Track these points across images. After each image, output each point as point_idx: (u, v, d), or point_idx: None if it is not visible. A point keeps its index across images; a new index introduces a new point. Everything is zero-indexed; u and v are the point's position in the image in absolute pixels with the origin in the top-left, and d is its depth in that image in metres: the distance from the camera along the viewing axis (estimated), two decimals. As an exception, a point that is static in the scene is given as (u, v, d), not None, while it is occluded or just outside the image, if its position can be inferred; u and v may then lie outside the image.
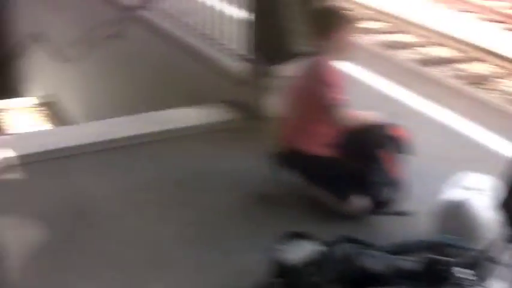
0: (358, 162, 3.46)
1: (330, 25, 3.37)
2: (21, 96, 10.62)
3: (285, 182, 3.52)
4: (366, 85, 5.56)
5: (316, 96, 3.36)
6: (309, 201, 3.49)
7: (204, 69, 5.07)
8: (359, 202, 3.42)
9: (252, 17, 4.19)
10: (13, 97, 10.56)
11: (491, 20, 11.35)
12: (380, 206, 3.50)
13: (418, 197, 3.66)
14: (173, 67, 5.54)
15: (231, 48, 4.88)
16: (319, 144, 3.43)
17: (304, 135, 3.44)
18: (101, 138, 4.22)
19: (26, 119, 9.81)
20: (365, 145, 3.45)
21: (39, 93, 10.22)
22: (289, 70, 3.59)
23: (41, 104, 10.04)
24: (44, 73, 10.10)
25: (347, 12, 3.51)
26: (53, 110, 9.67)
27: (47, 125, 9.39)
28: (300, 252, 2.80)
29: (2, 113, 9.99)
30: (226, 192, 3.67)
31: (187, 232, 3.33)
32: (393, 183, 3.50)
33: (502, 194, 2.87)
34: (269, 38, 4.00)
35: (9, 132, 9.18)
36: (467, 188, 3.22)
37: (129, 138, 4.24)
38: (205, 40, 5.19)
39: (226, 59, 4.92)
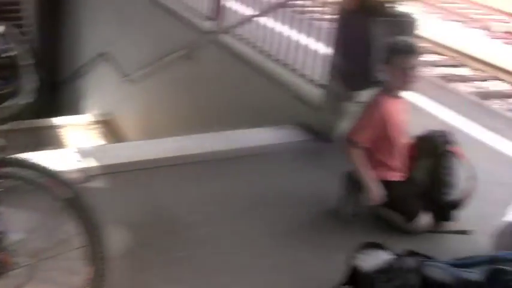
0: (424, 181, 3.73)
1: (395, 57, 3.57)
2: (87, 113, 10.93)
3: (357, 201, 3.76)
4: (430, 115, 5.79)
5: (381, 130, 3.62)
6: (378, 220, 3.76)
7: (280, 93, 5.39)
8: (424, 220, 3.68)
9: (332, 46, 4.47)
10: (79, 114, 10.97)
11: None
12: (443, 225, 3.76)
13: (478, 218, 3.88)
14: (248, 90, 5.87)
15: (307, 74, 5.21)
16: (388, 170, 3.72)
17: (374, 162, 3.68)
18: (179, 153, 4.45)
19: (83, 135, 10.01)
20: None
21: (99, 110, 10.50)
22: (365, 97, 3.88)
23: (99, 122, 10.28)
24: (104, 91, 10.44)
25: (416, 45, 3.69)
26: (110, 127, 9.92)
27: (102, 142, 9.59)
28: (373, 260, 3.06)
29: (61, 129, 10.16)
30: (300, 207, 3.91)
31: (262, 242, 3.58)
32: (457, 203, 3.74)
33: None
34: (347, 66, 4.29)
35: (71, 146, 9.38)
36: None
37: (206, 154, 4.50)
38: (282, 66, 5.54)
39: (303, 84, 5.24)
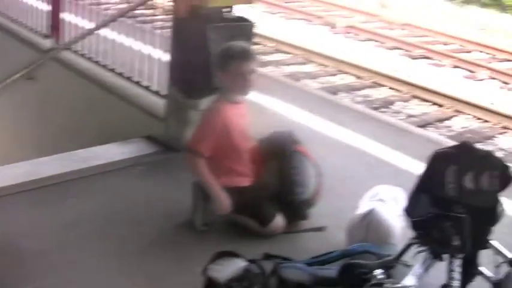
0: (274, 184, 3.72)
1: (230, 63, 3.53)
2: None
3: (208, 210, 3.68)
4: (278, 115, 5.85)
5: (223, 137, 3.56)
6: (233, 227, 3.70)
7: (127, 106, 5.26)
8: (279, 222, 3.65)
9: (169, 55, 4.38)
10: None
11: (391, 48, 12.03)
12: (298, 224, 3.77)
13: (332, 213, 3.95)
14: (95, 106, 5.68)
15: (149, 86, 5.12)
16: (236, 176, 3.68)
17: (220, 169, 3.62)
18: (27, 178, 4.25)
19: None
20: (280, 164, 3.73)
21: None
22: (207, 105, 3.81)
23: None
24: None
25: (251, 49, 3.69)
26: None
27: None
28: (228, 269, 3.02)
29: None
30: (153, 222, 3.78)
31: (118, 262, 3.42)
32: (309, 201, 3.76)
33: (405, 202, 3.16)
34: (186, 74, 4.21)
35: None
36: (381, 200, 3.54)
37: (54, 177, 4.28)
38: (126, 79, 5.42)
39: (147, 95, 5.16)
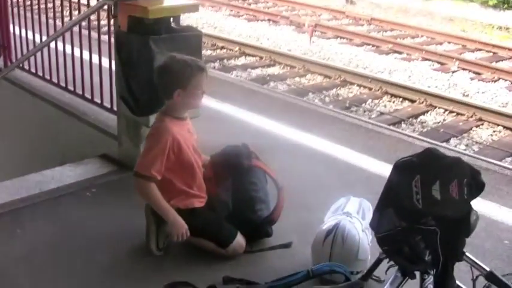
0: (234, 203, 3.48)
1: (191, 79, 3.23)
2: None
3: (164, 233, 3.41)
4: (241, 122, 5.62)
5: (173, 157, 3.28)
6: (190, 249, 3.43)
7: (80, 124, 5.00)
8: (239, 243, 3.41)
9: (119, 70, 4.11)
10: None
11: (359, 44, 11.87)
12: (262, 243, 3.53)
13: (298, 227, 3.73)
14: (48, 125, 5.41)
15: (101, 103, 4.85)
16: (191, 197, 3.40)
17: (173, 191, 3.35)
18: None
19: None
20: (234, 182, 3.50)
21: None
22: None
23: None
24: None
25: (202, 62, 3.39)
26: None
27: None
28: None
29: None
30: (108, 248, 3.52)
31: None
32: (271, 218, 3.53)
33: (372, 215, 2.94)
34: (132, 91, 3.95)
35: None
36: (346, 213, 3.31)
37: (4, 205, 3.97)
38: (78, 95, 5.15)
39: (99, 112, 4.89)
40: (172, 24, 3.92)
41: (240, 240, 3.40)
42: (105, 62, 4.74)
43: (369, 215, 3.34)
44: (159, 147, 3.19)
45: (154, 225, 3.34)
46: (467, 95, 9.06)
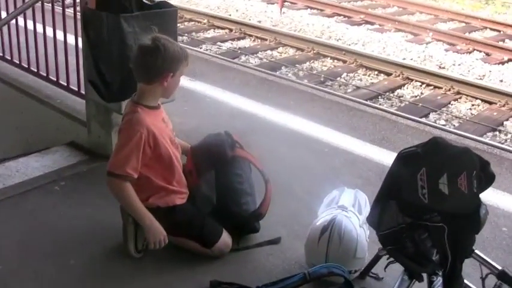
0: (218, 197, 3.21)
1: (179, 66, 2.92)
2: None
3: (142, 233, 3.07)
4: (214, 102, 5.34)
5: (149, 152, 2.94)
6: (174, 251, 3.11)
7: (43, 109, 4.64)
8: (225, 241, 3.15)
9: (87, 52, 3.76)
10: None
11: (330, 15, 11.60)
12: (249, 239, 3.28)
13: (286, 219, 3.50)
14: (11, 110, 5.02)
15: (67, 85, 4.51)
16: (170, 194, 3.08)
17: (150, 189, 3.04)
18: None
19: None
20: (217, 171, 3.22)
21: None
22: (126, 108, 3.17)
23: None
24: None
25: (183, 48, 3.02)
26: None
27: None
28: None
29: None
30: (81, 249, 3.20)
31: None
32: (258, 211, 3.27)
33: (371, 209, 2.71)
34: (101, 74, 3.60)
35: None
36: (342, 207, 3.06)
37: None
38: (43, 78, 4.80)
39: (67, 97, 4.56)
40: (145, 0, 3.56)
41: (225, 238, 3.13)
42: (71, 39, 4.39)
43: (366, 209, 3.11)
44: (133, 142, 2.84)
45: (132, 224, 3.03)
46: (444, 67, 8.85)
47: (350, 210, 3.02)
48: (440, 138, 2.63)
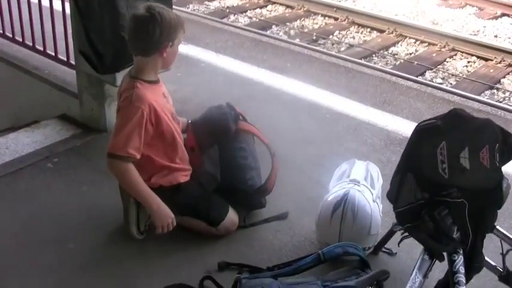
0: (222, 173, 3.07)
1: (178, 35, 2.74)
2: None
3: (145, 214, 2.94)
4: (208, 66, 5.16)
5: (151, 130, 2.77)
6: (178, 231, 2.92)
7: (31, 80, 4.45)
8: (231, 219, 3.01)
9: (77, 21, 3.55)
10: None
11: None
12: (254, 215, 3.16)
13: (292, 193, 3.38)
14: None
15: (55, 55, 4.30)
16: (173, 172, 2.92)
17: (153, 168, 2.88)
18: None
19: None
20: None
21: None
22: (121, 80, 2.97)
23: None
24: None
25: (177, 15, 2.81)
26: None
27: None
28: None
29: None
30: (80, 235, 3.04)
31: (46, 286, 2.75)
32: (264, 186, 3.14)
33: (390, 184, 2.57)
34: (97, 45, 3.40)
35: None
36: (354, 181, 2.92)
37: None
38: (30, 47, 4.56)
39: (51, 67, 4.36)
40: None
41: (232, 216, 3.00)
42: (57, 4, 4.18)
43: (378, 182, 2.98)
44: (134, 121, 2.65)
45: (134, 205, 2.88)
46: (437, 23, 8.66)
47: (362, 184, 2.89)
48: (460, 109, 2.48)
